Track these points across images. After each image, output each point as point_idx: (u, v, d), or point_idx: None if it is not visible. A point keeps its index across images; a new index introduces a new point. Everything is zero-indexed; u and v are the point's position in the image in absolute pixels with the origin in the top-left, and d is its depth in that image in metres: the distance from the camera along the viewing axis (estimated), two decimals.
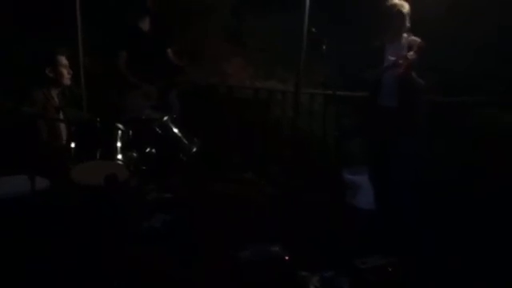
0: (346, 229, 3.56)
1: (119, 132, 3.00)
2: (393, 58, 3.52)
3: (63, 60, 3.32)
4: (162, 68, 4.01)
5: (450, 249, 3.31)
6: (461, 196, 3.93)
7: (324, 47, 3.57)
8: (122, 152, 2.96)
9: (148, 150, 3.16)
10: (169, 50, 4.13)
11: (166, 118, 3.29)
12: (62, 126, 3.27)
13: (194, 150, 3.33)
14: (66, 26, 4.06)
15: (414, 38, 3.50)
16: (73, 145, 2.89)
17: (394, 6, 3.53)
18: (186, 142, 3.32)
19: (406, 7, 3.52)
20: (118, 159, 2.92)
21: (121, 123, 3.04)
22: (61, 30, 4.24)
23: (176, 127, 3.32)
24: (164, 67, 4.04)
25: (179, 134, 3.31)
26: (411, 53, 3.40)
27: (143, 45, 3.93)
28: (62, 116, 3.28)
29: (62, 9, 4.13)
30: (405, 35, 3.55)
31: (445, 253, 3.25)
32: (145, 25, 3.98)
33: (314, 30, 3.56)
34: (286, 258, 2.96)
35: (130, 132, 3.06)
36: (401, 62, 3.44)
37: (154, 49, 4.00)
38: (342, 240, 3.34)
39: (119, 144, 2.98)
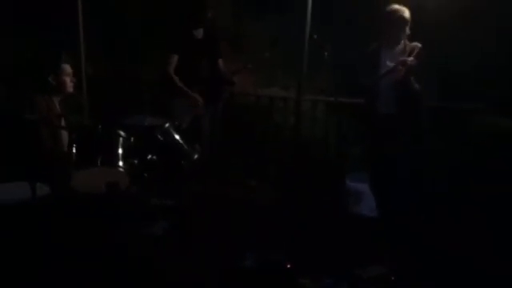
0: (348, 236, 3.54)
1: (120, 139, 2.99)
2: (391, 64, 3.52)
3: (67, 68, 3.33)
4: (212, 76, 4.06)
5: (452, 256, 3.29)
6: (462, 202, 3.92)
7: (326, 54, 3.58)
8: (124, 159, 2.95)
9: (149, 156, 3.15)
10: (220, 61, 4.15)
11: (167, 125, 3.29)
12: (64, 134, 3.27)
13: (196, 156, 3.32)
14: (70, 30, 4.08)
15: (414, 43, 3.51)
16: (74, 151, 2.88)
17: (396, 11, 3.53)
18: (187, 148, 3.31)
19: (407, 14, 3.52)
20: (120, 166, 2.91)
21: (122, 130, 3.03)
22: (65, 32, 4.25)
23: (177, 134, 3.32)
24: (214, 75, 4.08)
25: (181, 141, 3.30)
26: (411, 58, 3.41)
27: (195, 50, 3.97)
28: (63, 123, 3.28)
29: (66, 12, 4.14)
30: (402, 41, 3.56)
31: (447, 259, 3.23)
32: (199, 34, 4.03)
33: (315, 36, 3.56)
34: (288, 266, 2.95)
35: (132, 139, 3.05)
36: (400, 67, 3.44)
37: (205, 57, 4.04)
38: (344, 247, 3.32)
39: (120, 151, 2.97)
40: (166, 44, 4.09)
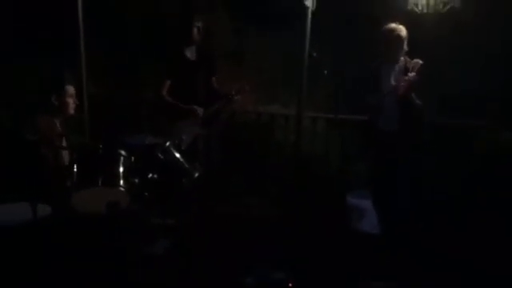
0: (351, 253, 3.53)
1: (121, 158, 3.00)
2: (392, 82, 3.55)
3: (71, 90, 3.33)
4: (206, 95, 4.07)
5: (458, 271, 3.27)
6: (465, 218, 3.91)
7: (326, 71, 3.60)
8: (124, 178, 2.96)
9: (150, 175, 3.15)
10: (213, 79, 4.15)
11: (168, 144, 3.29)
12: (65, 154, 3.28)
13: (196, 175, 3.32)
14: (71, 47, 4.11)
15: (415, 60, 3.53)
16: (75, 171, 2.88)
17: (392, 30, 3.57)
18: (188, 167, 3.32)
19: (404, 32, 3.56)
20: (120, 185, 2.91)
21: (123, 149, 3.04)
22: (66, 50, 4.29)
23: (178, 152, 3.33)
24: (208, 95, 4.09)
25: (181, 160, 3.31)
26: (413, 74, 3.43)
27: (188, 72, 3.98)
28: (64, 143, 3.29)
29: (67, 32, 4.18)
30: (402, 58, 3.60)
31: (452, 275, 3.22)
32: (191, 54, 4.03)
33: (315, 54, 3.58)
34: (290, 284, 2.93)
35: (132, 158, 3.06)
36: (402, 84, 3.47)
37: (199, 77, 4.05)
38: (347, 264, 3.31)
39: (121, 170, 2.98)
40: (159, 68, 4.10)
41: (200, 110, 3.98)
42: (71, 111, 3.35)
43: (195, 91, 4.02)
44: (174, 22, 4.54)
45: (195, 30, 3.96)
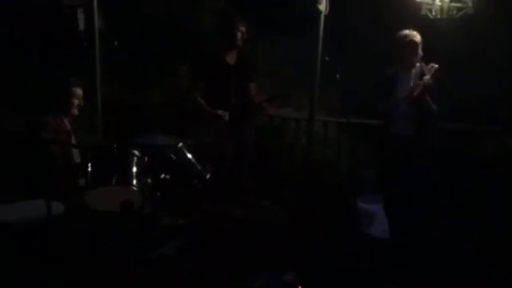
0: (360, 257, 3.52)
1: (135, 158, 3.03)
2: (408, 88, 3.56)
3: (79, 91, 3.41)
4: (238, 102, 3.99)
5: (464, 274, 3.26)
6: (474, 223, 3.90)
7: (338, 76, 3.61)
8: (138, 178, 2.98)
9: (163, 176, 3.18)
10: (252, 84, 4.06)
11: (180, 145, 3.32)
12: (75, 151, 3.33)
13: (208, 176, 3.34)
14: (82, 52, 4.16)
15: (431, 64, 3.53)
16: (89, 170, 2.91)
17: (406, 36, 3.57)
18: (199, 167, 3.34)
19: (418, 37, 3.56)
20: (134, 185, 2.94)
21: (136, 149, 3.07)
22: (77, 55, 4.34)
23: (190, 153, 3.35)
24: (243, 100, 4.01)
25: (193, 160, 3.33)
26: (427, 77, 3.44)
27: (226, 77, 3.92)
28: (73, 140, 3.34)
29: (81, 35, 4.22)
30: (417, 64, 3.60)
31: (458, 279, 3.21)
32: (231, 58, 3.97)
33: (327, 58, 3.60)
34: (299, 287, 2.93)
35: (145, 158, 3.09)
36: (417, 87, 3.48)
37: (236, 81, 3.97)
38: (356, 269, 3.31)
39: (135, 170, 3.00)
40: (192, 70, 4.07)
41: (226, 114, 3.87)
42: (75, 111, 3.44)
43: (230, 95, 3.94)
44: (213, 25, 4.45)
45: (239, 35, 3.87)
